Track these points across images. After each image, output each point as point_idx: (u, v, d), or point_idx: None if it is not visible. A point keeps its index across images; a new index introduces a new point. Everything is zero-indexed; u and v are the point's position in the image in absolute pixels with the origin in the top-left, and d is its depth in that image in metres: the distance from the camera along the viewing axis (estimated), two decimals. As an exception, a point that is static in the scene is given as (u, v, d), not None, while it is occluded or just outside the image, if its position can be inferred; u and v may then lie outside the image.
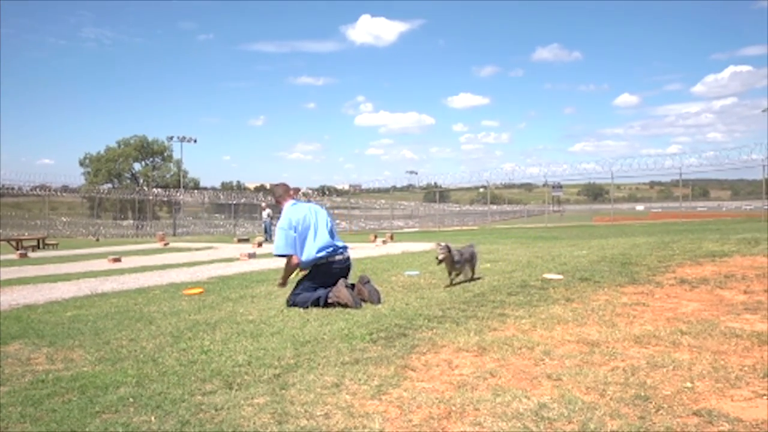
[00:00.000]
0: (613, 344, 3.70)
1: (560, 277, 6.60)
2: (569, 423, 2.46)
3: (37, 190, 39.93)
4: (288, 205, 5.56)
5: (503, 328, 4.27)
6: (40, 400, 3.03)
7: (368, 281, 5.60)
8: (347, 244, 5.77)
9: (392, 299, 5.70)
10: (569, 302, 5.17)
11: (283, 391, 3.01)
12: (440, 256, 6.17)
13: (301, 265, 5.50)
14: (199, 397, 2.98)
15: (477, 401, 2.77)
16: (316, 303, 5.35)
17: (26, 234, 27.53)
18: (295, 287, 5.53)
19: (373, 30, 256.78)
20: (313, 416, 2.66)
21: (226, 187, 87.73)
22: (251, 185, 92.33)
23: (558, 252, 10.19)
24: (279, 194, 5.68)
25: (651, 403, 2.64)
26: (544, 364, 3.36)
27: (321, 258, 5.43)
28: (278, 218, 5.51)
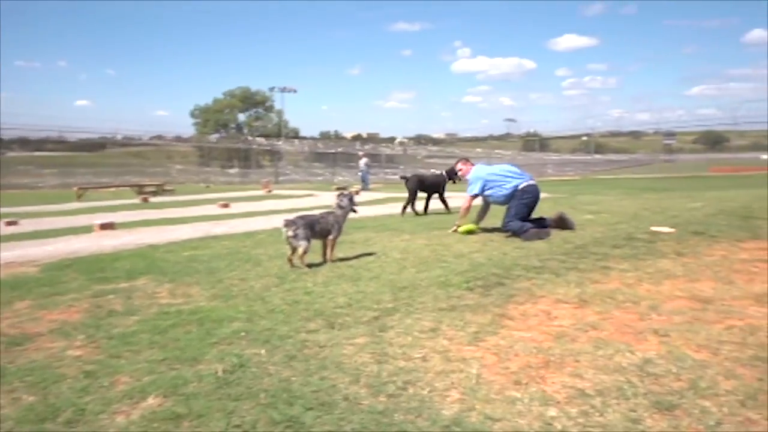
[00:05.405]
0: (729, 302, 3.46)
1: (671, 230, 6.21)
2: (677, 380, 2.36)
3: (155, 139, 43.07)
4: (476, 165, 7.32)
5: (606, 281, 4.11)
6: (165, 329, 3.35)
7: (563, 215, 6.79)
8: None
9: (489, 248, 5.65)
10: (680, 257, 4.87)
11: (382, 333, 3.12)
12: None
13: (502, 199, 6.85)
14: (304, 335, 3.16)
15: (577, 353, 2.72)
16: (522, 228, 6.30)
17: (146, 180, 29.90)
18: (508, 211, 6.64)
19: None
20: (411, 358, 2.74)
21: (325, 136, 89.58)
22: (348, 134, 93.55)
23: (668, 204, 9.56)
24: (461, 166, 7.58)
25: (772, 365, 2.46)
26: (650, 319, 3.21)
27: (521, 185, 6.69)
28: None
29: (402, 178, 10.46)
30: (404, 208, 9.61)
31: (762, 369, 2.43)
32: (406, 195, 10.00)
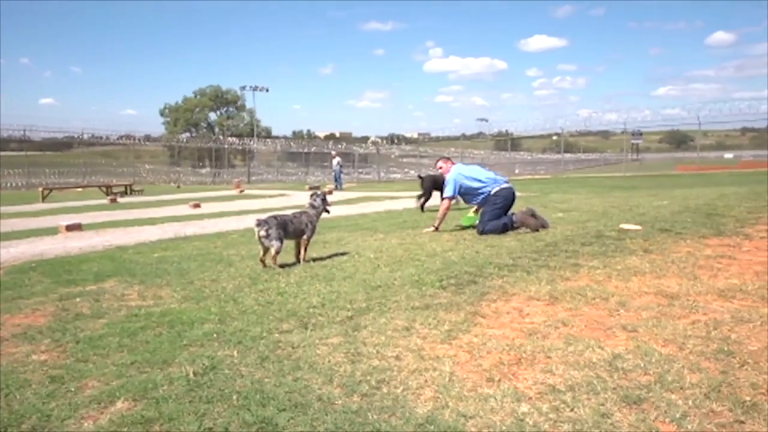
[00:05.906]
0: (694, 297, 3.55)
1: (638, 227, 6.34)
2: (645, 374, 2.41)
3: (123, 139, 42.14)
4: (454, 166, 7.44)
5: (576, 278, 4.18)
6: (134, 332, 3.29)
7: (534, 213, 6.79)
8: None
9: (462, 247, 5.69)
10: (647, 253, 4.98)
11: (356, 333, 3.12)
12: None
13: (477, 202, 7.13)
14: (277, 335, 3.13)
15: (548, 349, 2.76)
16: (504, 228, 6.55)
17: (115, 180, 29.24)
18: (482, 217, 6.88)
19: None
20: (384, 357, 2.74)
21: (297, 135, 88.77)
22: (321, 134, 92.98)
23: (636, 202, 9.76)
24: (442, 165, 7.68)
25: (735, 358, 2.54)
26: (619, 315, 3.28)
27: (493, 190, 6.92)
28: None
29: (419, 176, 11.69)
30: (422, 204, 10.52)
31: (725, 362, 2.50)
32: (379, 194, 10.30)
